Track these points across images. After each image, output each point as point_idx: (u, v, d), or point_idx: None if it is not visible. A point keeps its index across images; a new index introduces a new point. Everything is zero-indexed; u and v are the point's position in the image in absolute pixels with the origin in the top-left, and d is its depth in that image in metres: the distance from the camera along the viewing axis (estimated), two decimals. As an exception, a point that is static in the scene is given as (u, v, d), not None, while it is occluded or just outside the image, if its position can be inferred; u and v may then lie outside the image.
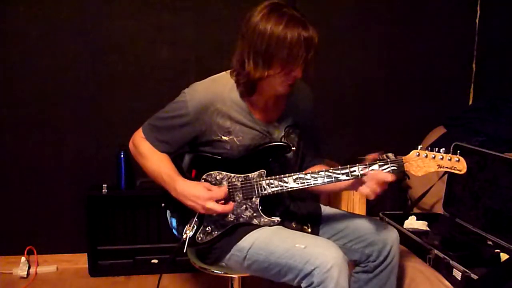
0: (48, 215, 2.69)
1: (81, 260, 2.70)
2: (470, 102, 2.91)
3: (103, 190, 2.59)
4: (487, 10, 2.81)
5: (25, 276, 2.62)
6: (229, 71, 1.59)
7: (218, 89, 1.56)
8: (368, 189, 1.48)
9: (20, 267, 2.63)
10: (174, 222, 1.69)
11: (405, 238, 1.97)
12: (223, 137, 1.57)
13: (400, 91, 2.86)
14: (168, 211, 1.71)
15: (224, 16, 2.66)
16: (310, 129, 1.74)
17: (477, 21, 2.84)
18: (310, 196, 1.81)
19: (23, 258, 2.64)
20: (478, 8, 2.83)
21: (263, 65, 1.45)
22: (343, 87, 2.82)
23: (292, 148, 1.62)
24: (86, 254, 2.62)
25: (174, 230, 1.70)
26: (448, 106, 2.83)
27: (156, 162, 1.58)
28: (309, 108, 1.73)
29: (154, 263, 2.71)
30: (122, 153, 2.57)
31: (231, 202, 1.55)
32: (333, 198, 2.33)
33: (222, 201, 1.53)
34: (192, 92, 1.57)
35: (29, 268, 2.66)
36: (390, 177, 1.45)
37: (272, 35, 1.41)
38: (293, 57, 1.42)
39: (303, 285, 1.43)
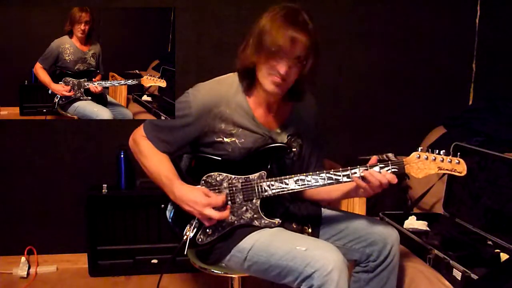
0: (48, 215, 2.70)
1: (81, 260, 2.70)
2: (470, 102, 2.90)
3: (103, 190, 2.59)
4: (487, 10, 2.81)
5: (25, 276, 2.62)
6: (235, 73, 1.57)
7: (223, 90, 1.55)
8: (363, 190, 1.51)
9: (20, 267, 2.63)
10: (174, 223, 1.69)
11: (405, 238, 1.97)
12: (225, 139, 1.56)
13: (400, 91, 2.86)
14: (167, 212, 1.71)
15: (224, 16, 2.66)
16: (313, 144, 1.72)
17: (477, 21, 2.84)
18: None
19: (23, 258, 2.65)
20: (478, 8, 2.82)
21: (253, 51, 1.47)
22: (343, 87, 2.82)
23: (293, 150, 1.62)
24: (86, 254, 2.62)
25: (174, 232, 1.69)
26: (448, 106, 2.83)
27: (156, 163, 1.57)
28: (312, 121, 1.71)
29: (154, 263, 2.71)
30: (122, 153, 2.57)
31: (228, 208, 1.54)
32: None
33: (221, 208, 1.52)
34: (196, 92, 1.55)
35: (29, 268, 2.66)
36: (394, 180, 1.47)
37: (266, 24, 1.44)
38: (276, 49, 1.42)
39: (303, 287, 1.43)
